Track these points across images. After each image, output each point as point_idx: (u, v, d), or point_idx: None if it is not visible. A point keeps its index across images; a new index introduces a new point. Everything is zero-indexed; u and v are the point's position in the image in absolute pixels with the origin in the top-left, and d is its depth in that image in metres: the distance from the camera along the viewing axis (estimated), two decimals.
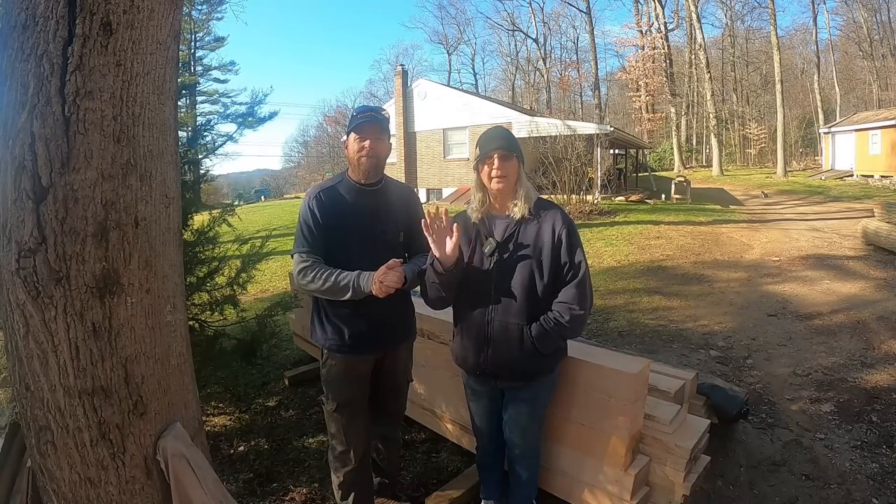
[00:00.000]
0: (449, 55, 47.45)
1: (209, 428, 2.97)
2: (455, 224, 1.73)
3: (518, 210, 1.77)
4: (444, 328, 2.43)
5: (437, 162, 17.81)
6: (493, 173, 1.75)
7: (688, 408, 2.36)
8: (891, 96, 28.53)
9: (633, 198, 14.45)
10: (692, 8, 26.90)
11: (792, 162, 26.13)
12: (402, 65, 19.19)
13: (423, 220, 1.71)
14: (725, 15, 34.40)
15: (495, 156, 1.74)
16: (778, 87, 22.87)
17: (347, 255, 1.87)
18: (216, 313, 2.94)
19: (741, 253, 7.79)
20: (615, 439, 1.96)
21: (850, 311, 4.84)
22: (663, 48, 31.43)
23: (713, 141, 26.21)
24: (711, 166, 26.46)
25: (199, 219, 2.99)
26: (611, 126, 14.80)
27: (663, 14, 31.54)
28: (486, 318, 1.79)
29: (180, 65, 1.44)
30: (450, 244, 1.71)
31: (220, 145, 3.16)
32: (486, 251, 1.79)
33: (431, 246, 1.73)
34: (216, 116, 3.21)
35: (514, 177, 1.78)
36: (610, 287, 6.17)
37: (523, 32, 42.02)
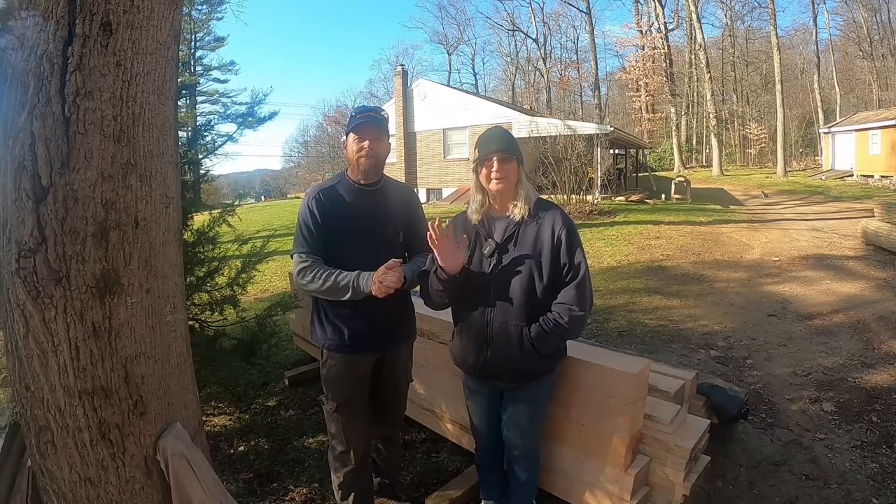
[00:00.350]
0: (449, 55, 47.46)
1: (209, 428, 2.97)
2: (465, 236, 1.72)
3: (518, 211, 1.77)
4: (444, 328, 2.43)
5: (437, 162, 17.81)
6: (493, 175, 1.75)
7: (688, 408, 2.36)
8: (891, 96, 28.52)
9: (633, 198, 14.44)
10: (692, 8, 26.90)
11: (792, 162, 26.14)
12: (402, 65, 19.19)
13: (427, 234, 1.70)
14: (725, 15, 34.42)
15: (494, 158, 1.74)
16: (778, 87, 22.87)
17: (347, 255, 1.87)
18: (216, 313, 2.94)
19: (741, 253, 7.78)
20: (615, 439, 1.96)
21: (850, 311, 4.84)
22: (663, 48, 31.42)
23: (713, 141, 26.21)
24: (711, 166, 26.45)
25: (199, 219, 2.99)
26: (611, 126, 14.79)
27: (663, 14, 31.56)
28: (485, 318, 1.79)
29: (180, 65, 1.44)
30: (457, 256, 1.71)
31: (220, 145, 3.16)
32: (485, 252, 1.79)
33: (436, 256, 1.73)
34: (216, 116, 3.21)
35: (514, 178, 1.78)
36: (610, 287, 6.17)
37: (523, 32, 42.06)
